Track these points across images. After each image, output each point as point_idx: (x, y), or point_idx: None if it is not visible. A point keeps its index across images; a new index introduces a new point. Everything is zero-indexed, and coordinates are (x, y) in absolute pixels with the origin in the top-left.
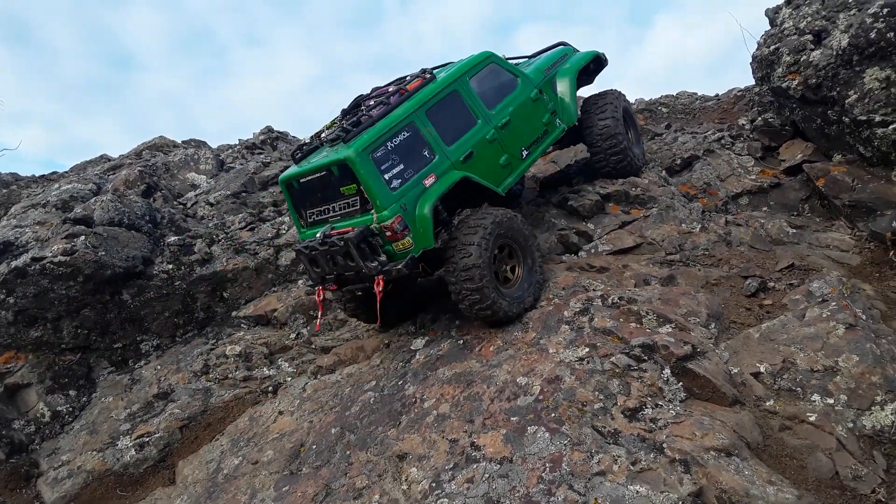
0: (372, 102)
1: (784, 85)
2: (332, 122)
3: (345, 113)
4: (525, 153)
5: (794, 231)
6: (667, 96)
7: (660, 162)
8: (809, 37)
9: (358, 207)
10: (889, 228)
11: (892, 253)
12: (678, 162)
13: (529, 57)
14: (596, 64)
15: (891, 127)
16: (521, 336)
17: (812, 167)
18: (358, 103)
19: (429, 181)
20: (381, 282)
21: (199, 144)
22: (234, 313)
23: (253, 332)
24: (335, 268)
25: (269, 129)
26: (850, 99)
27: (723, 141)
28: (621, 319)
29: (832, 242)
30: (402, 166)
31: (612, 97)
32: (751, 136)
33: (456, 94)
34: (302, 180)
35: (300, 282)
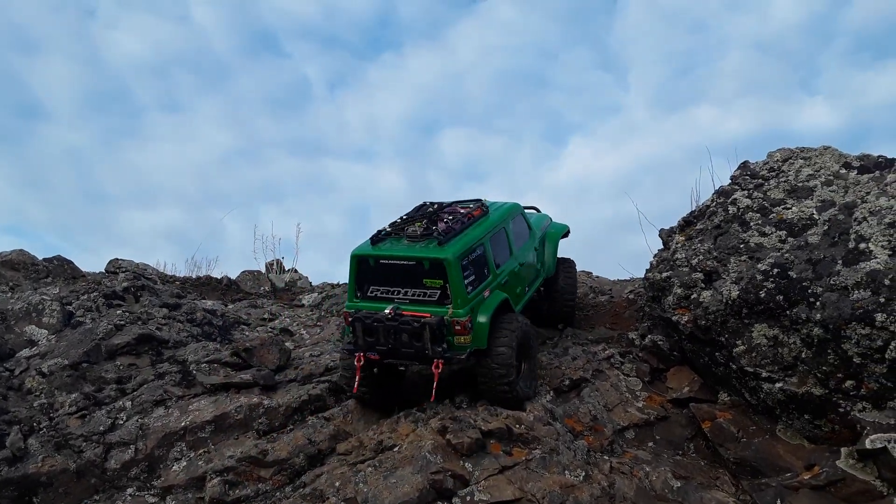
0: (451, 217)
1: (674, 319)
2: (414, 221)
3: (425, 217)
4: (527, 289)
5: (679, 485)
6: None
7: (549, 381)
8: (701, 275)
9: (436, 300)
10: None
11: None
12: (567, 382)
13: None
14: (564, 233)
15: (777, 385)
16: None
17: (699, 409)
18: (435, 212)
19: (486, 294)
20: (440, 365)
21: (61, 264)
22: None
23: None
24: (393, 342)
25: (136, 276)
26: (738, 349)
27: (612, 360)
28: None
29: None
30: (473, 276)
31: (573, 266)
32: (639, 355)
33: (503, 231)
34: (382, 261)
35: (129, 491)
